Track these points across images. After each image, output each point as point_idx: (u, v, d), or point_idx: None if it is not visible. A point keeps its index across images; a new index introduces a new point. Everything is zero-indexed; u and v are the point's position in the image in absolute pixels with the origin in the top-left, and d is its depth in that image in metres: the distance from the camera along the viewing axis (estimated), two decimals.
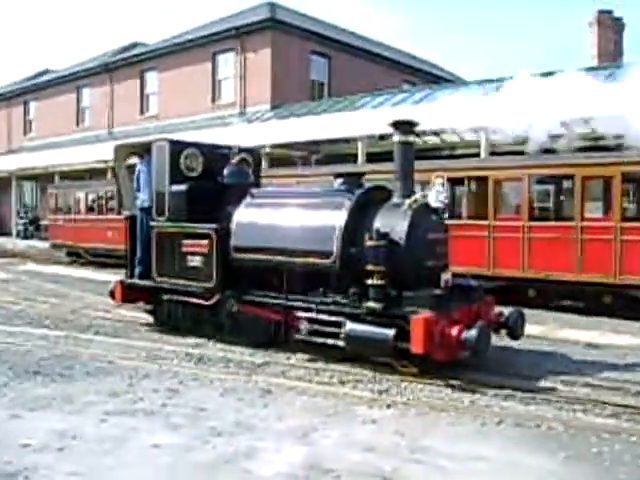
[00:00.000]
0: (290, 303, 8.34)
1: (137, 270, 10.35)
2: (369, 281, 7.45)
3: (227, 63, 25.54)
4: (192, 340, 9.12)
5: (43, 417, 5.82)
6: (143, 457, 4.89)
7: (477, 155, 16.18)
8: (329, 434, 5.39)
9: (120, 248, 17.62)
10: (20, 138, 36.82)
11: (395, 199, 8.10)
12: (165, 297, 9.90)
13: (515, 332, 8.02)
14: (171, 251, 9.55)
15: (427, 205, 7.96)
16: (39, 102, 36.34)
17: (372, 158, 17.20)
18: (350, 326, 7.49)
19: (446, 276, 7.86)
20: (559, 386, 6.83)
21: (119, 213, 18.81)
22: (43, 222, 29.12)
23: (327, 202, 8.48)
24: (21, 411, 5.94)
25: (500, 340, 8.34)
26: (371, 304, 7.40)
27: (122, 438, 5.27)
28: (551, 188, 13.82)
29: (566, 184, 13.10)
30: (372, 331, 7.29)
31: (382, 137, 17.69)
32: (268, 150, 20.58)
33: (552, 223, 12.76)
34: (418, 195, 7.97)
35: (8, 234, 31.27)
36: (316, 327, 8.02)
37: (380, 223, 7.81)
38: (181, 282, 9.43)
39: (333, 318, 7.81)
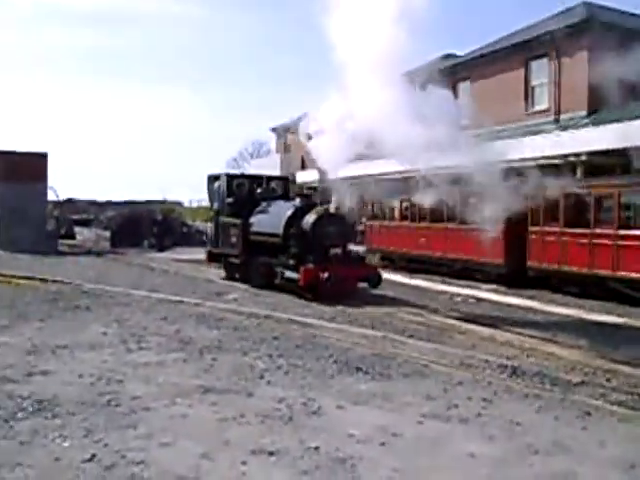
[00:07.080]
0: (270, 261, 15.51)
1: (215, 244, 18.50)
2: (291, 250, 14.67)
3: (540, 69, 24.67)
4: (506, 352, 9.07)
5: (365, 411, 6.25)
6: (459, 464, 4.97)
7: None
8: None
9: (429, 254, 18.49)
10: None
11: (317, 208, 14.99)
12: (224, 259, 18.22)
13: (370, 283, 14.55)
14: (225, 233, 17.70)
15: (328, 212, 14.76)
16: None
17: None
18: (285, 273, 14.61)
19: (334, 250, 14.45)
20: None
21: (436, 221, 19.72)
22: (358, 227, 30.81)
23: (283, 207, 16.06)
24: (346, 403, 6.43)
25: None
26: (291, 261, 14.44)
27: (438, 441, 5.42)
28: None
29: None
30: (292, 275, 14.33)
31: None
32: (584, 158, 19.39)
33: None
34: (324, 206, 14.92)
35: None
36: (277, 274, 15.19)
37: (303, 220, 14.76)
38: (228, 250, 17.66)
39: (279, 269, 14.90)
